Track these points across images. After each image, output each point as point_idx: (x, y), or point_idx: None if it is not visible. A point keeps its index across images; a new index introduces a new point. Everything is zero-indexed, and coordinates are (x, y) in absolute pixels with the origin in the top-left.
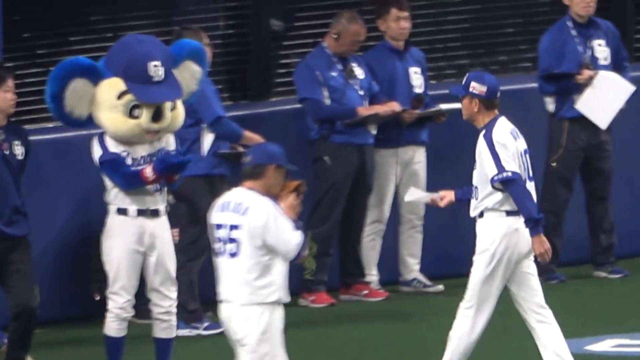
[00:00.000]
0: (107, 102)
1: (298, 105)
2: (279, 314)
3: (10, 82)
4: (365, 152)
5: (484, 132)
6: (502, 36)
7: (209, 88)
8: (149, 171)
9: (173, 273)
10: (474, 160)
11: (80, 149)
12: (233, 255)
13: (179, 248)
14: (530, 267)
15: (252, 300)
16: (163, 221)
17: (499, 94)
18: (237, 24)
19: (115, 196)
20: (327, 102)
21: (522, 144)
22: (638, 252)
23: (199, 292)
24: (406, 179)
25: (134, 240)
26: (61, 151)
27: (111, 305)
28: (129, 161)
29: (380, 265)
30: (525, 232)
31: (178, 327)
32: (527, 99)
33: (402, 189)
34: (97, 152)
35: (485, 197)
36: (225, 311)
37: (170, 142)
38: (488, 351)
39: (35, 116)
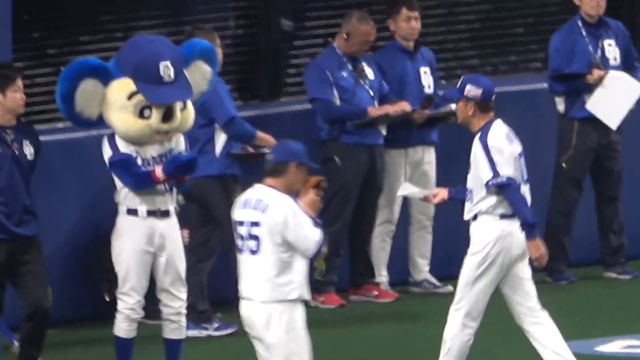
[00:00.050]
0: (118, 102)
1: (308, 106)
2: (300, 311)
3: (19, 82)
4: (376, 153)
5: (479, 135)
6: (512, 36)
7: (222, 88)
8: (159, 172)
9: (183, 274)
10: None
11: (90, 149)
12: (254, 252)
13: (189, 249)
14: (524, 272)
15: (272, 297)
16: (173, 222)
17: (494, 96)
18: (247, 24)
19: (125, 196)
20: (337, 102)
21: (517, 148)
22: None
23: (209, 293)
24: (416, 179)
25: (143, 240)
26: (71, 151)
27: (121, 306)
28: (139, 161)
29: (390, 266)
30: (519, 235)
31: (188, 328)
32: (537, 99)
33: None
34: (107, 153)
35: (479, 201)
36: (245, 309)
37: (180, 143)
38: (493, 351)
39: (45, 116)
